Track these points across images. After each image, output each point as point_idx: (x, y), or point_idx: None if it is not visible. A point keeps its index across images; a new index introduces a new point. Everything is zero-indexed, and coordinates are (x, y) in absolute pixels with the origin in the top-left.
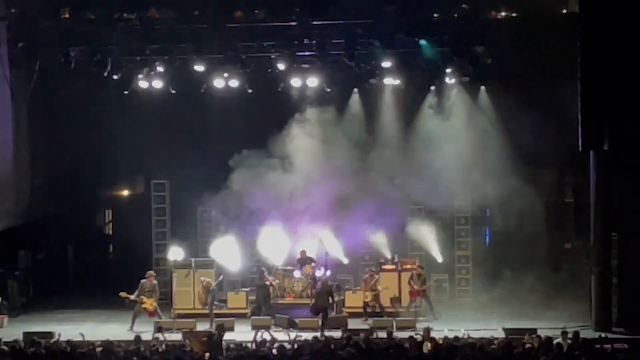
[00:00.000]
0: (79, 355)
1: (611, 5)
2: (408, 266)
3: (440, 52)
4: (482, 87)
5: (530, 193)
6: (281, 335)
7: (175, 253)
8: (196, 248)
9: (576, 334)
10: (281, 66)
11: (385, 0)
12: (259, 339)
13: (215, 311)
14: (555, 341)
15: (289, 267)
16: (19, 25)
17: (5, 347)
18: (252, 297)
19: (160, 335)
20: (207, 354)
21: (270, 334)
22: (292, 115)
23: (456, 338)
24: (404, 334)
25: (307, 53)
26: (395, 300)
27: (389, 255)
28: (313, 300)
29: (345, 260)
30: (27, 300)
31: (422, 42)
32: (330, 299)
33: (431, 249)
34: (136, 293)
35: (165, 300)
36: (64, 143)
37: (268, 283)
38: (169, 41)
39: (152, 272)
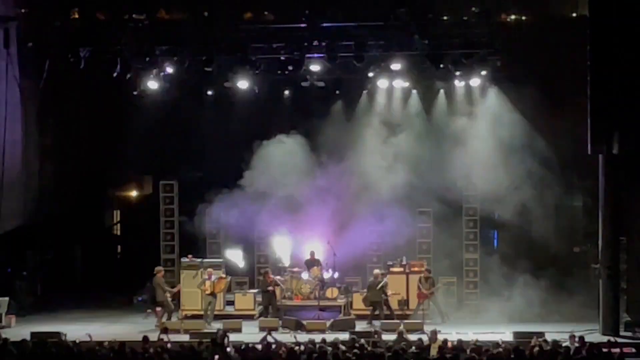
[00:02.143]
0: (86, 355)
1: (621, 9)
2: (416, 269)
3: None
4: (492, 90)
5: (539, 196)
6: (288, 337)
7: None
8: (204, 249)
9: (581, 338)
10: (290, 68)
11: (395, 3)
12: (265, 341)
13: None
14: (564, 344)
15: (296, 269)
16: (29, 25)
17: (12, 347)
18: (260, 299)
19: (165, 337)
20: (217, 356)
21: (274, 338)
22: (301, 116)
23: (459, 341)
24: (412, 337)
25: (316, 55)
26: (403, 302)
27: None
28: (365, 294)
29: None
30: (35, 300)
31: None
32: (382, 293)
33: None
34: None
35: (174, 301)
36: (72, 143)
37: (271, 289)
38: (179, 42)
39: (160, 267)
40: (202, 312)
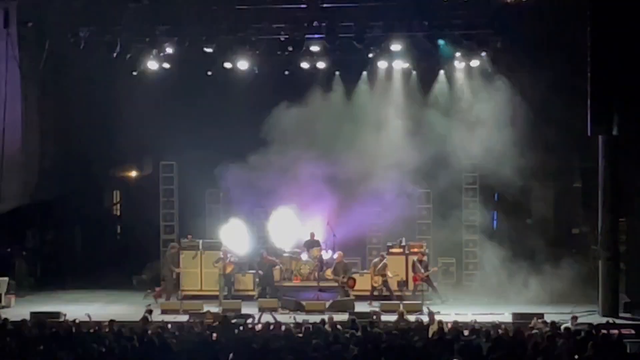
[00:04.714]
0: (85, 336)
1: None
2: (415, 250)
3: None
4: (492, 71)
5: (538, 178)
6: (286, 318)
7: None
8: (204, 230)
9: (574, 318)
10: (290, 48)
11: None
12: (263, 320)
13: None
14: (562, 326)
15: (296, 250)
16: (29, 6)
17: (12, 327)
18: (258, 280)
19: (149, 317)
20: (215, 335)
21: (274, 316)
22: (301, 97)
23: (455, 322)
24: (411, 318)
25: (316, 35)
26: (402, 283)
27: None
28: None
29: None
30: (35, 281)
31: (441, 41)
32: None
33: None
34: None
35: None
36: (73, 123)
37: (270, 259)
38: (179, 22)
39: (175, 244)
40: (201, 293)
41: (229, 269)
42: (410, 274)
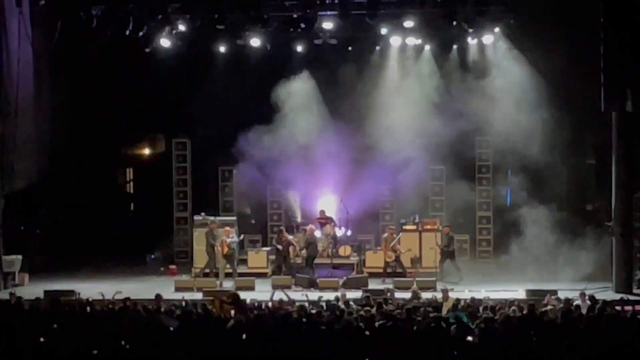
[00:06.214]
0: (98, 314)
1: None
2: (429, 227)
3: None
4: (505, 47)
5: (552, 154)
6: (299, 295)
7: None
8: (217, 207)
9: (592, 297)
10: (303, 25)
11: None
12: (275, 298)
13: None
14: (575, 302)
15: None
16: None
17: (26, 305)
18: (273, 257)
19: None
20: (233, 312)
21: (287, 294)
22: (314, 74)
23: (473, 299)
24: (425, 295)
25: (329, 12)
26: (416, 260)
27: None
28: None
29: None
30: (48, 259)
31: None
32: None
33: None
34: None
35: (186, 259)
36: (85, 101)
37: (285, 242)
38: (191, 0)
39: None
40: (215, 270)
41: (225, 250)
42: (425, 251)
